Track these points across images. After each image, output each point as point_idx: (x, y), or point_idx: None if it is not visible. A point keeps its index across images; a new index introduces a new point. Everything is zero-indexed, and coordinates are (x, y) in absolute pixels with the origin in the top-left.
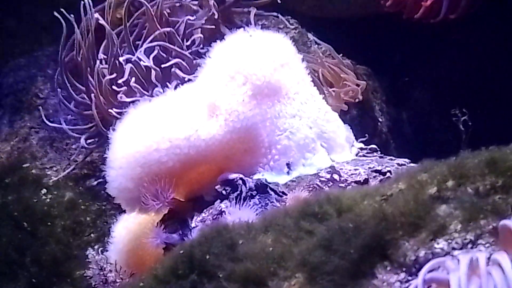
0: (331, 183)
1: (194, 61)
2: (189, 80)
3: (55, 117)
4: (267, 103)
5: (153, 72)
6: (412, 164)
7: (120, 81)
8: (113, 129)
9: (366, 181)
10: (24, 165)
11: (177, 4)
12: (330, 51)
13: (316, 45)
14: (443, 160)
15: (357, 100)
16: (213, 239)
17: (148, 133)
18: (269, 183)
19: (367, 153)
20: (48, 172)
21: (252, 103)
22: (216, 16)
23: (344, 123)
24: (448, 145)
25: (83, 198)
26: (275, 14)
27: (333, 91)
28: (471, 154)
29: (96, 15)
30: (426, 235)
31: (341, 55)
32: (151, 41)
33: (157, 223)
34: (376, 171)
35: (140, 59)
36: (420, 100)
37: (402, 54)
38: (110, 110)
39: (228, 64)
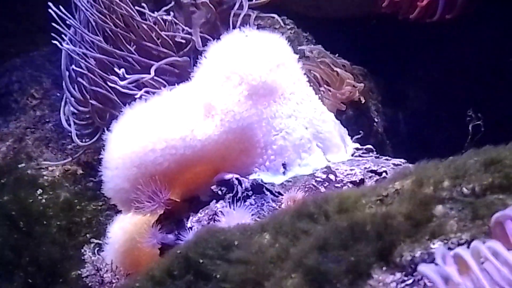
0: (327, 183)
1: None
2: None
3: (50, 117)
4: (263, 103)
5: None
6: (408, 164)
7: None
8: (109, 130)
9: (362, 181)
10: (20, 165)
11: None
12: (323, 52)
13: (312, 46)
14: (439, 160)
15: (356, 100)
16: (209, 239)
17: (144, 133)
18: (265, 183)
19: (363, 153)
20: (44, 172)
21: (248, 103)
22: (214, 18)
23: (340, 123)
24: (444, 145)
25: (78, 198)
26: (271, 14)
27: (329, 91)
28: (467, 154)
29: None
30: (422, 235)
31: (337, 55)
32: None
33: (153, 223)
34: (372, 171)
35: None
36: (416, 100)
37: (397, 55)
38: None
39: (224, 64)
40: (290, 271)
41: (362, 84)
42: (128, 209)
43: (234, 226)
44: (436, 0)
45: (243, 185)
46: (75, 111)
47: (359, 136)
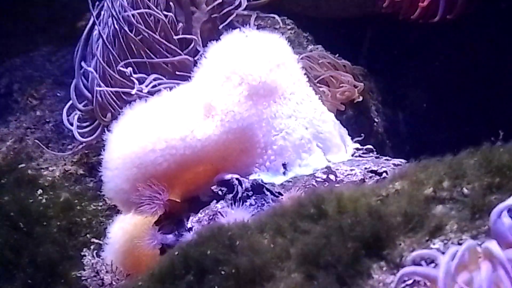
0: (327, 184)
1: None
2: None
3: (51, 118)
4: (263, 104)
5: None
6: (408, 164)
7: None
8: (109, 130)
9: (362, 181)
10: (20, 166)
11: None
12: (324, 52)
13: (312, 46)
14: (439, 160)
15: (356, 101)
16: (209, 239)
17: (144, 133)
18: (265, 183)
19: (363, 153)
20: (44, 173)
21: (248, 103)
22: (214, 17)
23: (340, 123)
24: (443, 145)
25: (79, 198)
26: (271, 14)
27: (329, 91)
28: (467, 154)
29: None
30: (422, 235)
31: (337, 55)
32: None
33: (153, 224)
34: (372, 171)
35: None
36: (416, 101)
37: (397, 55)
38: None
39: (224, 64)
40: (290, 270)
41: (362, 84)
42: (128, 209)
43: (234, 225)
44: (437, 0)
45: (243, 185)
46: (81, 108)
47: (360, 138)
